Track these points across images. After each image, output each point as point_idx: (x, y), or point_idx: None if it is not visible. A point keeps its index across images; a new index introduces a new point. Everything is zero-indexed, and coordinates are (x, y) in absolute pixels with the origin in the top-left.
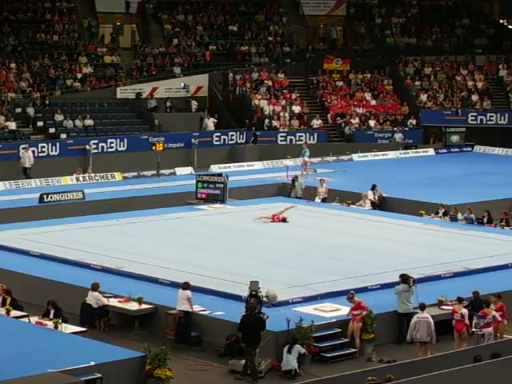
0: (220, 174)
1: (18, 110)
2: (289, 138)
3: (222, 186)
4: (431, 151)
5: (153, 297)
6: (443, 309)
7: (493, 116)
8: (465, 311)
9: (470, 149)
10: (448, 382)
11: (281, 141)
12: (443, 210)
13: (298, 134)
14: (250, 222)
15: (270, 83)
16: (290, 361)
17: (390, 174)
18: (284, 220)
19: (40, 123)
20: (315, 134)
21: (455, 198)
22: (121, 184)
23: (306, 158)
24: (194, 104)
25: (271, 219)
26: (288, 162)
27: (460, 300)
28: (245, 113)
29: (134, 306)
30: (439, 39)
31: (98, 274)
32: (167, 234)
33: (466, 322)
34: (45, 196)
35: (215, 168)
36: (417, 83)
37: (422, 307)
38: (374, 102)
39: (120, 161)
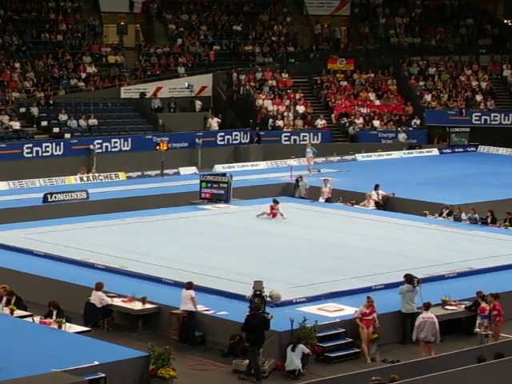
0: (224, 174)
1: (22, 109)
2: (293, 137)
3: (225, 185)
4: (435, 151)
5: (156, 296)
6: (447, 309)
7: (497, 116)
8: None
9: (474, 149)
10: (451, 382)
11: (285, 141)
12: (447, 211)
13: (301, 134)
14: (254, 222)
15: (273, 83)
16: (294, 361)
17: (394, 174)
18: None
19: (44, 123)
20: (319, 134)
21: (459, 198)
22: (125, 184)
23: (308, 155)
24: (198, 104)
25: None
26: (292, 161)
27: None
28: (249, 113)
29: (137, 306)
30: (443, 39)
31: (101, 273)
32: (171, 234)
33: None
34: (49, 196)
35: (219, 168)
36: (421, 83)
37: (427, 306)
38: (378, 102)
39: (124, 160)
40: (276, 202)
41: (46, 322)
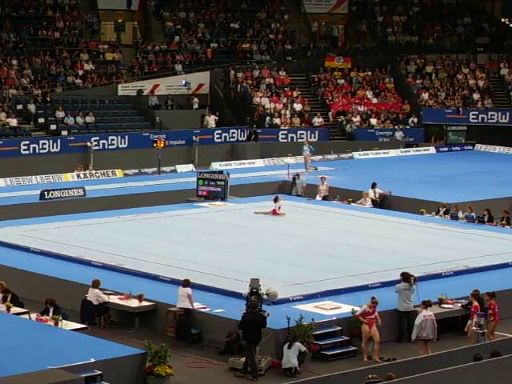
0: (221, 172)
1: (20, 106)
2: (290, 135)
3: (222, 183)
4: (432, 149)
5: (153, 294)
6: (443, 307)
7: (494, 114)
8: None
9: (471, 147)
10: (448, 380)
11: (282, 138)
12: (444, 209)
13: (299, 132)
14: (251, 220)
15: (271, 81)
16: (291, 358)
17: (391, 172)
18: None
19: (41, 120)
20: (316, 132)
21: (456, 196)
22: (122, 181)
23: (305, 153)
24: (195, 101)
25: (271, 211)
26: (289, 159)
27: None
28: (246, 110)
29: (134, 303)
30: (441, 37)
31: (98, 270)
32: (168, 232)
33: None
34: (46, 193)
35: (216, 165)
36: (418, 81)
37: (427, 305)
38: (375, 100)
39: (121, 158)
40: (277, 199)
41: (42, 319)
